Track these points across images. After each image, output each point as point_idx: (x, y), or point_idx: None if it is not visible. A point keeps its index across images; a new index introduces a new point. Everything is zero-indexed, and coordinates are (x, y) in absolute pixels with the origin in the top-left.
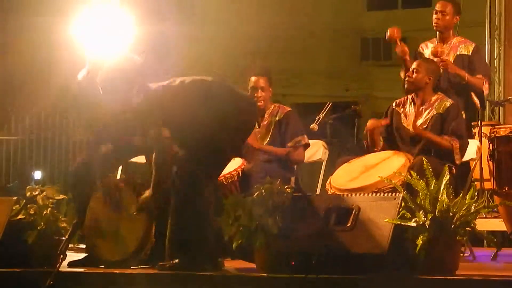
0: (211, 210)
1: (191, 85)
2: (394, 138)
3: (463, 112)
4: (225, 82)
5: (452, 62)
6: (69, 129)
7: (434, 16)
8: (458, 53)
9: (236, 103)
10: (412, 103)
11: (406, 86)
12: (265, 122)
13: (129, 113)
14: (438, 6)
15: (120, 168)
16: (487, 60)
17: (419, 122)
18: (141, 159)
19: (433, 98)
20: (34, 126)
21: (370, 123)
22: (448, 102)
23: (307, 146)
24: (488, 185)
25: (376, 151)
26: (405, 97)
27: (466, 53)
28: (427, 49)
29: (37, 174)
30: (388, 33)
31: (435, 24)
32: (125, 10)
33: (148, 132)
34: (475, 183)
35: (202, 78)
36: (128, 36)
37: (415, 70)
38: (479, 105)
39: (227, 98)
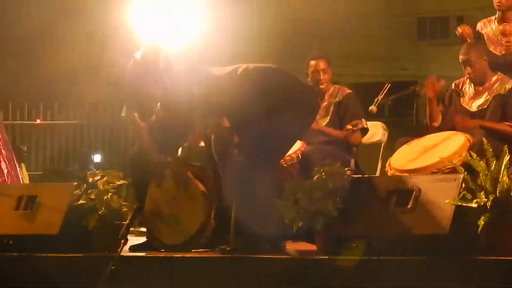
0: (272, 193)
1: (254, 73)
2: (454, 118)
3: None
4: (287, 71)
5: None
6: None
7: None
8: None
9: (298, 90)
10: (472, 84)
11: (470, 80)
12: (325, 103)
13: (191, 101)
14: None
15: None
16: None
17: (479, 102)
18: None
19: (493, 79)
20: (92, 112)
21: (429, 90)
22: (509, 84)
23: (365, 130)
24: None
25: (435, 126)
26: (464, 78)
27: None
28: (485, 28)
29: (97, 158)
30: (459, 31)
31: (498, 3)
32: None
33: (208, 121)
34: None
35: (264, 66)
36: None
37: (471, 63)
38: None
39: (290, 85)
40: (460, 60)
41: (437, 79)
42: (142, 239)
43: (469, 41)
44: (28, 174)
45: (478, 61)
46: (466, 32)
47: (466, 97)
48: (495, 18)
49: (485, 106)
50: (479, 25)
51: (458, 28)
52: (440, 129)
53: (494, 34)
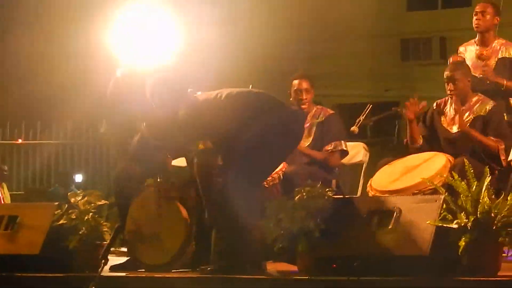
0: (255, 214)
1: (239, 97)
2: (434, 139)
3: (505, 114)
4: (272, 96)
5: (494, 65)
6: (106, 137)
7: (474, 17)
8: (500, 56)
9: (284, 114)
10: (453, 105)
11: (449, 97)
12: (307, 124)
13: (175, 124)
14: (478, 8)
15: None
16: None
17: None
18: (181, 162)
19: (474, 100)
20: (75, 132)
21: (409, 112)
22: (490, 105)
23: (344, 152)
24: None
25: (416, 147)
26: (446, 98)
27: (508, 56)
28: (466, 52)
29: (78, 178)
30: (450, 61)
31: (476, 26)
32: (164, 15)
33: (192, 144)
34: None
35: (249, 90)
36: (167, 41)
37: (454, 80)
38: None
39: (275, 109)
40: (445, 76)
41: (419, 101)
42: (123, 259)
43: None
44: (10, 193)
45: (462, 79)
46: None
47: (447, 117)
48: (475, 41)
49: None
50: (461, 49)
51: (450, 58)
52: (421, 150)
53: (473, 57)
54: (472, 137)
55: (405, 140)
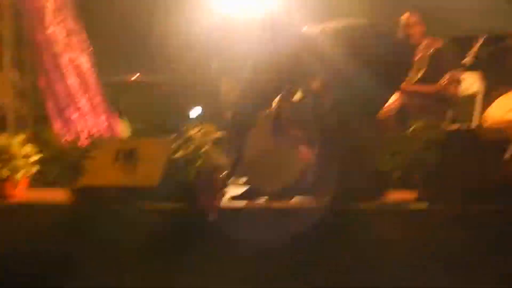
0: (372, 145)
1: (345, 31)
2: None
3: None
4: (382, 26)
5: None
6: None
7: None
8: None
9: (391, 45)
10: None
11: None
12: (419, 56)
13: (280, 63)
14: None
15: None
16: None
17: None
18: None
19: None
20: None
21: None
22: None
23: (460, 81)
24: None
25: None
26: None
27: None
28: None
29: (194, 112)
30: None
31: None
32: None
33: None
34: None
35: (355, 23)
36: None
37: None
38: None
39: (381, 41)
40: None
41: None
42: (242, 190)
43: None
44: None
45: None
46: None
47: None
48: None
49: None
50: None
51: None
52: None
53: None
54: None
55: None
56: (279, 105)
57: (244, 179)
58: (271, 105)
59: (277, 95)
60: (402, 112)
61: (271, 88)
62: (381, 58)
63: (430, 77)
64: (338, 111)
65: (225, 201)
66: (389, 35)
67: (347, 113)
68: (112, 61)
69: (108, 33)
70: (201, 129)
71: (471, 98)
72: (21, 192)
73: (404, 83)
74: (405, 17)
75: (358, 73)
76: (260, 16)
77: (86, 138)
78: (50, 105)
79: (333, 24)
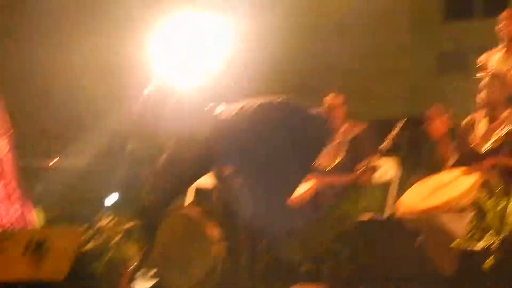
0: (283, 234)
1: (260, 110)
2: (465, 156)
3: None
4: (295, 102)
5: None
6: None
7: (502, 24)
8: None
9: (307, 123)
10: (485, 120)
11: (481, 105)
12: (338, 141)
13: (196, 144)
14: (504, 14)
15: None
16: None
17: (491, 140)
18: (206, 184)
19: (505, 114)
20: (107, 151)
21: (437, 125)
22: None
23: (376, 168)
24: None
25: (447, 163)
26: (476, 114)
27: None
28: (492, 61)
29: (109, 199)
30: (480, 61)
31: (503, 32)
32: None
33: (212, 168)
34: None
35: (271, 100)
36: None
37: (488, 89)
38: None
39: (298, 119)
40: (481, 86)
41: (445, 112)
42: (151, 283)
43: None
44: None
45: (498, 90)
46: (486, 68)
47: (478, 135)
48: (499, 50)
49: (497, 144)
50: (482, 58)
51: (479, 58)
52: (452, 166)
53: (499, 65)
54: (501, 165)
55: (436, 156)
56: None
57: (153, 272)
58: (185, 193)
59: (192, 182)
60: (315, 201)
61: (186, 175)
62: (296, 136)
63: (347, 163)
64: (248, 196)
65: None
66: (307, 111)
67: (258, 198)
68: (33, 142)
69: (30, 113)
70: (113, 219)
71: (386, 185)
72: None
73: (318, 171)
74: (328, 99)
75: (271, 154)
76: (174, 99)
77: None
78: None
79: (250, 102)
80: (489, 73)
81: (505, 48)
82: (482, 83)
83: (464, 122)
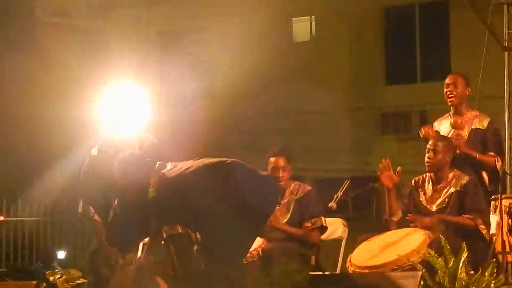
0: None
1: (209, 169)
2: (413, 213)
3: (480, 186)
4: (244, 164)
5: (467, 135)
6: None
7: (446, 90)
8: (473, 126)
9: (257, 184)
10: (431, 181)
11: (427, 167)
12: (285, 200)
13: (144, 204)
14: (448, 79)
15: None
16: (506, 132)
17: (438, 201)
18: None
19: (450, 175)
20: (56, 208)
21: (385, 178)
22: (465, 179)
23: (323, 228)
24: (510, 258)
25: (395, 220)
26: (423, 175)
27: (481, 127)
28: (441, 126)
29: (60, 254)
30: (422, 132)
31: (450, 97)
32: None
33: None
34: (494, 260)
35: (220, 160)
36: (144, 117)
37: (434, 151)
38: (488, 183)
39: (248, 179)
40: (428, 146)
41: (391, 168)
42: None
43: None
44: None
45: (444, 153)
46: (429, 133)
47: (426, 195)
48: (449, 115)
49: (444, 205)
50: (435, 124)
51: (422, 129)
52: (400, 224)
53: (447, 129)
54: (449, 222)
55: (384, 216)
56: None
57: None
58: (136, 250)
59: (142, 239)
60: (266, 257)
61: (135, 231)
62: (245, 195)
63: (295, 222)
64: (203, 255)
65: None
66: (254, 171)
67: (212, 257)
68: None
69: None
70: (64, 274)
71: (335, 242)
72: None
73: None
74: (273, 160)
75: (222, 214)
76: (121, 157)
77: None
78: None
79: (197, 163)
80: (436, 136)
81: (453, 113)
82: (428, 146)
83: (412, 182)
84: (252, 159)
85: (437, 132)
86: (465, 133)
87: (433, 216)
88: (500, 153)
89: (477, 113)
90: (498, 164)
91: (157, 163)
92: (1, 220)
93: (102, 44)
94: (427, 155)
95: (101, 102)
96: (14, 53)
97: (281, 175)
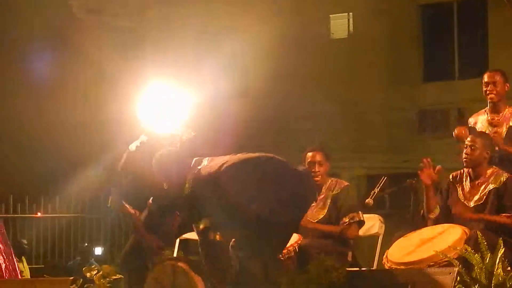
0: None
1: (244, 165)
2: (451, 211)
3: None
4: (279, 158)
5: (505, 132)
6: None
7: (486, 88)
8: (511, 123)
9: (292, 178)
10: (468, 177)
11: (464, 163)
12: (322, 196)
13: (180, 200)
14: (487, 77)
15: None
16: None
17: (476, 197)
18: (193, 235)
19: (489, 172)
20: (93, 204)
21: (424, 176)
22: (504, 176)
23: (361, 223)
24: None
25: (432, 217)
26: (461, 171)
27: None
28: (477, 123)
29: (97, 250)
30: (456, 133)
31: (490, 95)
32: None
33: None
34: None
35: (256, 156)
36: (181, 116)
37: (472, 147)
38: None
39: (283, 174)
40: (466, 142)
41: (433, 166)
42: None
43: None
44: (29, 267)
45: (482, 149)
46: (462, 133)
47: (463, 191)
48: (485, 111)
49: (481, 201)
50: (470, 120)
51: (455, 130)
52: (437, 221)
53: (484, 125)
54: (487, 221)
55: (421, 211)
56: None
57: None
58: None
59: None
60: (302, 253)
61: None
62: (282, 191)
63: (332, 217)
64: (236, 252)
65: None
66: (291, 167)
67: (246, 255)
68: (16, 197)
69: (14, 165)
70: (100, 270)
71: (372, 239)
72: None
73: (304, 220)
74: (310, 155)
75: (259, 209)
76: (159, 153)
77: None
78: None
79: (232, 159)
80: (474, 133)
81: (490, 110)
82: (466, 142)
83: (450, 177)
84: (288, 159)
85: (474, 128)
86: (503, 130)
87: (471, 216)
88: None
89: None
90: None
91: (194, 159)
92: (39, 216)
93: (137, 43)
94: (464, 150)
95: (139, 101)
96: (50, 53)
97: (317, 169)
